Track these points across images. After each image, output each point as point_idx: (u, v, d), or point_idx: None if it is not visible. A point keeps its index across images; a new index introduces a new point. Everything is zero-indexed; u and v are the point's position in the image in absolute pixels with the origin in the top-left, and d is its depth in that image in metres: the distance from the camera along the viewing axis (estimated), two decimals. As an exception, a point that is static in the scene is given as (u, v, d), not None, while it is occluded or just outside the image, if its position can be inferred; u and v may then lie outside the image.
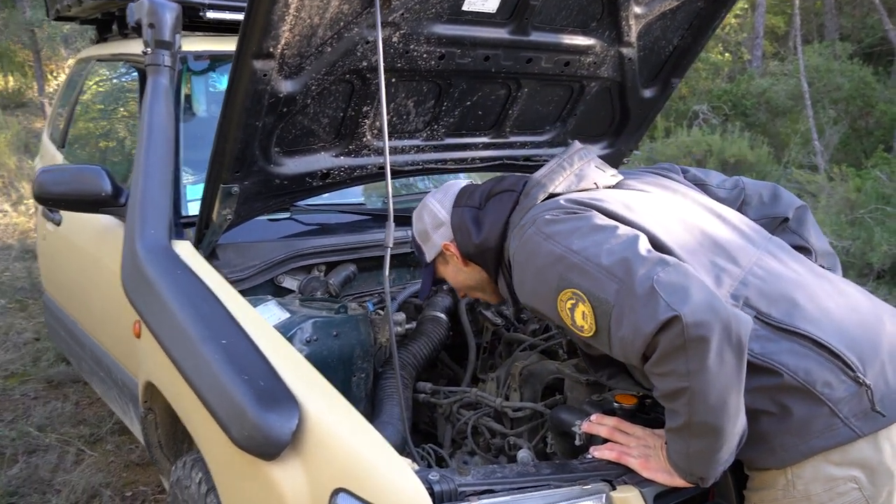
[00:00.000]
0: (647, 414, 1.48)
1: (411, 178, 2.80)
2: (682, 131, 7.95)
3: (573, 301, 1.23)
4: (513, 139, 2.36)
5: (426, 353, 1.87)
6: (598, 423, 1.37)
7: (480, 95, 2.15)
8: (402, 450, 1.54)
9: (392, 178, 2.30)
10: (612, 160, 2.66)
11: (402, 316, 1.89)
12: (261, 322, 1.60)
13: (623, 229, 1.28)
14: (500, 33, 1.96)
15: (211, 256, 1.91)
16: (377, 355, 1.82)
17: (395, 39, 1.80)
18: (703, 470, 1.19)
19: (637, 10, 2.11)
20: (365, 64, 1.80)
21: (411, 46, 1.84)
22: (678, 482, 1.25)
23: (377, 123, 2.00)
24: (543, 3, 1.92)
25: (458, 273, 1.68)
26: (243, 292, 1.79)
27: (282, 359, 1.44)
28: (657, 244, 1.28)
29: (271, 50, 1.58)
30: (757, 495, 1.29)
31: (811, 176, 7.00)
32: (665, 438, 1.29)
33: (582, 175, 1.51)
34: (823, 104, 8.37)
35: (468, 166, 2.33)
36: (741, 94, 9.35)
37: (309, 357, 1.58)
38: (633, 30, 2.18)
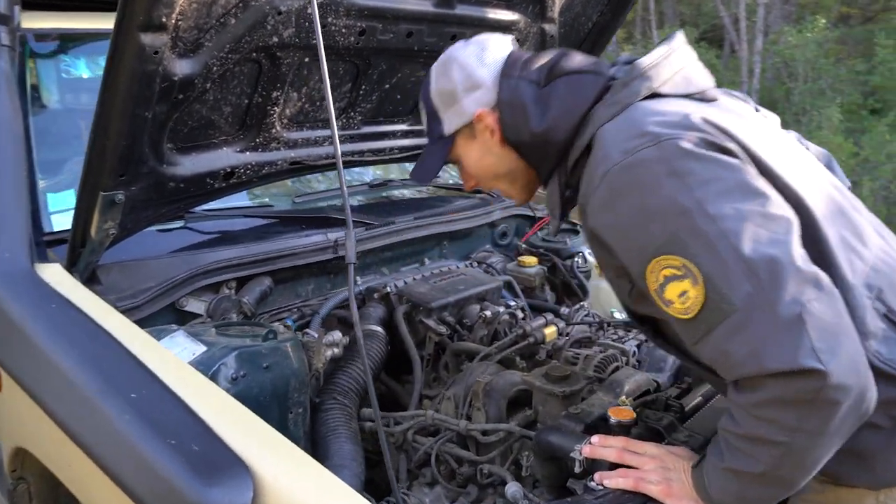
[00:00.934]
0: (635, 425, 1.33)
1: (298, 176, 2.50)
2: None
3: (678, 273, 0.96)
4: (432, 125, 2.15)
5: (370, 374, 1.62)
6: (602, 446, 1.20)
7: (400, 77, 1.92)
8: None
9: (302, 175, 2.03)
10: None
11: (338, 335, 1.62)
12: (174, 361, 1.28)
13: (775, 205, 0.98)
14: (425, 5, 1.75)
15: (91, 281, 1.55)
16: (312, 384, 1.55)
17: (310, 10, 1.52)
18: None
19: (562, -18, 1.98)
20: (276, 40, 1.51)
21: (329, 19, 1.58)
22: None
23: (287, 111, 1.72)
24: (470, -29, 1.73)
25: (487, 155, 1.28)
26: (139, 323, 1.45)
27: (212, 408, 1.15)
28: (806, 217, 1.02)
29: (164, 20, 1.26)
30: None
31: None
32: (688, 459, 1.13)
33: (689, 78, 1.16)
34: (677, 85, 8.82)
35: (386, 157, 2.09)
36: (601, 78, 9.67)
37: (237, 398, 1.29)
38: (557, 4, 2.05)
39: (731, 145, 1.04)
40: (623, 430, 1.27)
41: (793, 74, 8.33)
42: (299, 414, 1.47)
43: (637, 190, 1.01)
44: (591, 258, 2.29)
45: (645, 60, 1.16)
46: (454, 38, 1.89)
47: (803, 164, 1.15)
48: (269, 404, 1.40)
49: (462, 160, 1.32)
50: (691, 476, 1.10)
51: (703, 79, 1.19)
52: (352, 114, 1.89)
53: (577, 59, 1.23)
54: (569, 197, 1.22)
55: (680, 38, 1.21)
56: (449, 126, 1.29)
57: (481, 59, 1.26)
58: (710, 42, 12.90)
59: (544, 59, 1.24)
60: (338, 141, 1.11)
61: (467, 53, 1.27)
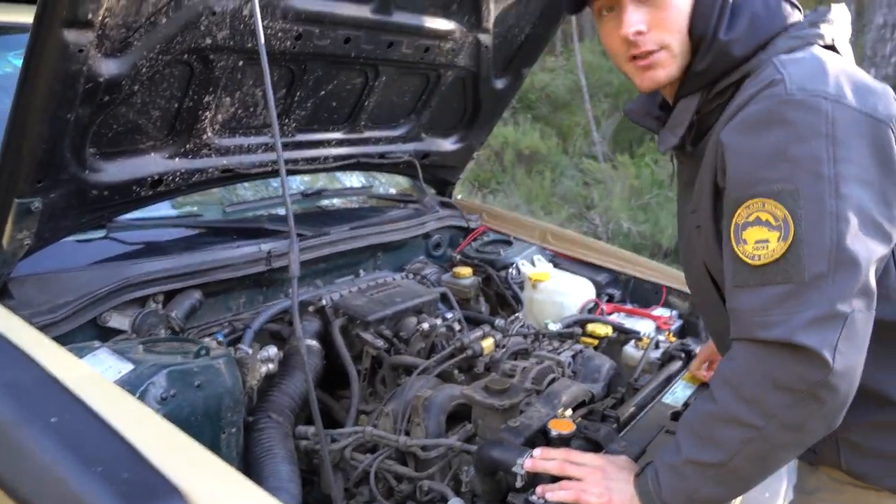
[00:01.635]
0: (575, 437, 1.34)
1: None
2: (478, 124, 8.15)
3: (773, 223, 0.96)
4: (367, 134, 2.12)
5: (304, 391, 1.57)
6: (544, 459, 1.20)
7: (336, 84, 1.88)
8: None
9: (234, 183, 1.96)
10: (463, 155, 2.53)
11: (273, 350, 1.57)
12: (98, 381, 1.20)
13: (890, 223, 1.00)
14: (363, 11, 1.73)
15: (1, 295, 1.43)
16: (245, 402, 1.49)
17: (245, 12, 1.47)
18: None
19: (497, -7, 2.00)
20: (209, 42, 1.46)
21: (266, 22, 1.53)
22: None
23: (220, 117, 1.65)
24: (407, -22, 1.72)
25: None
26: (57, 340, 1.35)
27: (142, 431, 1.08)
28: None
29: (89, 17, 1.19)
30: None
31: (596, 164, 7.58)
32: (630, 469, 1.14)
33: (842, 41, 1.13)
34: (598, 98, 9.12)
35: (320, 166, 2.04)
36: (525, 89, 9.86)
37: (167, 419, 1.22)
38: (492, 14, 2.07)
39: None
40: (563, 442, 1.28)
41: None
42: (232, 434, 1.41)
43: (789, 129, 0.98)
44: (524, 269, 2.31)
45: (833, 13, 1.14)
46: (391, 46, 1.88)
47: None
48: (201, 425, 1.34)
49: None
50: (634, 484, 1.11)
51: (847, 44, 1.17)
52: (286, 121, 1.84)
53: None
54: (694, 121, 1.17)
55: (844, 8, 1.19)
56: None
57: None
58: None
59: None
60: (280, 147, 1.07)
61: None
